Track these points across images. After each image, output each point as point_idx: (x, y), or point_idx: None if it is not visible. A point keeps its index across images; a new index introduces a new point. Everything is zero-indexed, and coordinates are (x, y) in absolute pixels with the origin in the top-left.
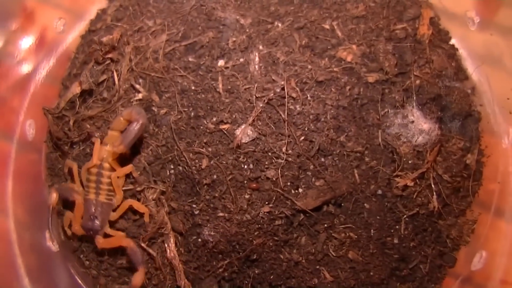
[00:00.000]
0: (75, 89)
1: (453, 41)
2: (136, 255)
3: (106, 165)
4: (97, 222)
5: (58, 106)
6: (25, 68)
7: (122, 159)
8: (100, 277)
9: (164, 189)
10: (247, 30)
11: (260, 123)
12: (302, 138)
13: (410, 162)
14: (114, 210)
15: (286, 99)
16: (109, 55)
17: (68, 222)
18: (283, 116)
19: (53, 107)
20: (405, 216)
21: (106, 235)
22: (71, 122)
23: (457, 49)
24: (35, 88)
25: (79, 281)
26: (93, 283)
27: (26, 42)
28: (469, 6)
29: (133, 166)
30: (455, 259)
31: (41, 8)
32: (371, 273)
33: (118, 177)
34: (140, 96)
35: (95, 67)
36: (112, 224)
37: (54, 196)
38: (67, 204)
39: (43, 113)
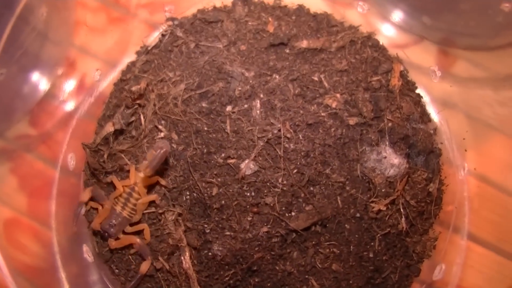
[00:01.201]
0: (109, 128)
1: (418, 90)
2: (142, 248)
3: (137, 188)
4: (113, 229)
5: (94, 142)
6: (68, 107)
7: (150, 187)
8: (127, 282)
9: (181, 212)
10: (251, 81)
11: (260, 159)
12: (295, 171)
13: (383, 190)
14: (131, 225)
15: (282, 139)
16: (137, 101)
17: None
18: (279, 152)
19: (90, 142)
20: (378, 234)
21: (117, 238)
22: (105, 156)
23: (421, 97)
24: (76, 125)
25: (110, 286)
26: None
27: (69, 86)
28: (432, 62)
29: (157, 196)
30: (419, 270)
31: (82, 57)
32: (351, 282)
33: (143, 203)
34: (162, 134)
35: (125, 111)
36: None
37: (87, 194)
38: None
39: (82, 147)
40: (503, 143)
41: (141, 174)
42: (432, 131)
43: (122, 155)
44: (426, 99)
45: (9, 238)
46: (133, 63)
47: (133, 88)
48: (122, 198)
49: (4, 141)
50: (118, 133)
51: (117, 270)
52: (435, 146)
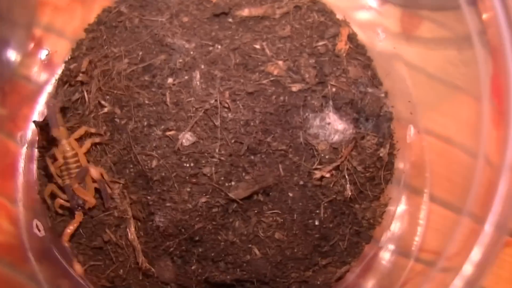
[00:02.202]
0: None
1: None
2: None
3: (68, 147)
4: (79, 199)
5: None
6: (35, 85)
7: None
8: (79, 255)
9: (125, 184)
10: (191, 53)
11: (198, 129)
12: (233, 140)
13: (327, 157)
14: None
15: (219, 109)
16: (79, 79)
17: (49, 192)
18: (216, 123)
19: (41, 120)
20: (324, 202)
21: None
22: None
23: (372, 60)
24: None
25: (62, 261)
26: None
27: (36, 65)
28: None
29: (85, 127)
30: (370, 236)
31: (48, 36)
32: (295, 250)
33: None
34: (105, 110)
35: (68, 89)
36: None
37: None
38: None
39: (35, 125)
40: (465, 102)
41: (63, 142)
42: (383, 95)
43: (70, 132)
44: (378, 61)
45: None
46: (81, 41)
47: (71, 66)
48: (64, 167)
49: None
50: (65, 110)
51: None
52: (386, 110)
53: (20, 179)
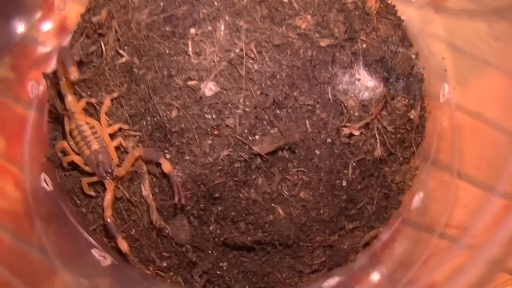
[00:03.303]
0: None
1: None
2: (151, 154)
3: (79, 117)
4: (105, 166)
5: (55, 72)
6: (46, 49)
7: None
8: (88, 214)
9: (142, 137)
10: (216, 3)
11: (222, 79)
12: (259, 92)
13: (356, 114)
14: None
15: (244, 59)
16: (98, 31)
17: (61, 148)
18: (241, 73)
19: (51, 72)
20: (352, 161)
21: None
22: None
23: (402, 20)
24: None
25: (71, 219)
26: (83, 219)
27: (47, 28)
28: None
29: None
30: (399, 202)
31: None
32: (321, 211)
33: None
34: (123, 60)
35: (85, 41)
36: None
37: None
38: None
39: (43, 77)
40: (497, 78)
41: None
42: (413, 55)
43: (84, 85)
44: (409, 22)
45: None
46: None
47: (94, 19)
48: (80, 139)
49: None
50: (80, 63)
51: (78, 202)
52: (416, 71)
53: (27, 144)
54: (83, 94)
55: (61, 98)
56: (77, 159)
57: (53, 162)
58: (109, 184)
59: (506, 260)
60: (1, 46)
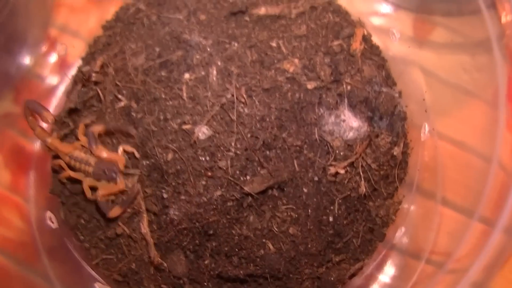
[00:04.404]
0: (68, 104)
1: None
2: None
3: (66, 149)
4: (110, 170)
5: (60, 116)
6: (49, 84)
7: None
8: (91, 248)
9: (140, 178)
10: (208, 49)
11: (215, 123)
12: (249, 135)
13: (341, 153)
14: None
15: (235, 104)
16: (92, 80)
17: (57, 165)
18: (233, 117)
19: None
20: (338, 198)
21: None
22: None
23: (386, 61)
24: (58, 101)
25: (75, 254)
26: (86, 254)
27: (50, 64)
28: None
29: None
30: (383, 234)
31: (63, 37)
32: (309, 246)
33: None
34: (122, 104)
35: (82, 89)
36: None
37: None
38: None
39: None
40: (480, 108)
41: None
42: (397, 94)
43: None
44: (393, 61)
45: None
46: (98, 37)
47: (84, 69)
48: (77, 162)
49: None
50: (74, 111)
51: (82, 237)
52: (399, 109)
53: (33, 176)
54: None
55: None
56: (73, 174)
57: (57, 194)
58: (121, 184)
59: (487, 282)
60: (6, 81)
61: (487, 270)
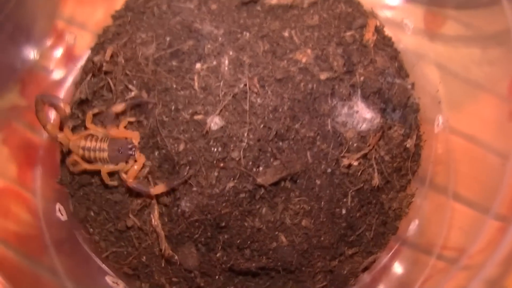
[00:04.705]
0: (78, 95)
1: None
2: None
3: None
4: (124, 147)
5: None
6: (56, 76)
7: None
8: (101, 241)
9: (151, 168)
10: (220, 39)
11: (227, 114)
12: (262, 125)
13: (355, 145)
14: None
15: (248, 93)
16: (103, 69)
17: (72, 161)
18: (245, 107)
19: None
20: (351, 190)
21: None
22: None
23: (398, 52)
24: (65, 93)
25: (84, 246)
26: (96, 247)
27: (57, 56)
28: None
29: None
30: (396, 227)
31: (70, 29)
32: (322, 238)
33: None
34: (132, 94)
35: (92, 80)
36: None
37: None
38: None
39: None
40: (490, 102)
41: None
42: (409, 86)
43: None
44: (406, 53)
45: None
46: (108, 27)
47: (95, 59)
48: (91, 152)
49: None
50: (85, 101)
51: (91, 229)
52: (412, 101)
53: (40, 169)
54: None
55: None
56: (90, 166)
57: (65, 185)
58: (140, 158)
59: (502, 280)
60: (12, 73)
61: (502, 267)
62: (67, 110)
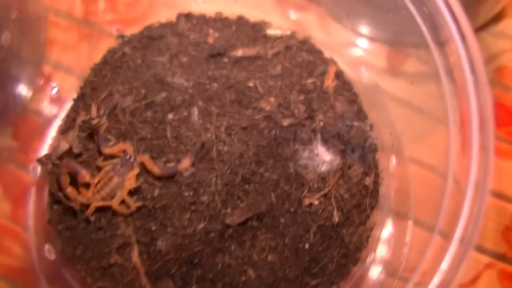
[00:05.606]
0: (63, 145)
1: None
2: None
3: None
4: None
5: (50, 158)
6: (44, 119)
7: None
8: (87, 277)
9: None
10: (190, 91)
11: (196, 161)
12: (229, 171)
13: (315, 186)
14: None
15: (215, 142)
16: (93, 123)
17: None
18: (213, 155)
19: (45, 156)
20: (313, 227)
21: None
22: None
23: (357, 96)
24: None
25: (72, 282)
26: (82, 282)
27: (45, 99)
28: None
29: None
30: (357, 259)
31: (57, 73)
32: (287, 272)
33: None
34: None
35: (81, 134)
36: None
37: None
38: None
39: (38, 163)
40: (446, 133)
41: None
42: (368, 128)
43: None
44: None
45: None
46: (88, 79)
47: (85, 119)
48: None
49: None
50: (79, 155)
51: (78, 266)
52: (371, 142)
53: (31, 207)
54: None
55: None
56: (103, 204)
57: (54, 225)
58: (141, 158)
59: None
60: (3, 117)
61: (445, 281)
62: (87, 177)
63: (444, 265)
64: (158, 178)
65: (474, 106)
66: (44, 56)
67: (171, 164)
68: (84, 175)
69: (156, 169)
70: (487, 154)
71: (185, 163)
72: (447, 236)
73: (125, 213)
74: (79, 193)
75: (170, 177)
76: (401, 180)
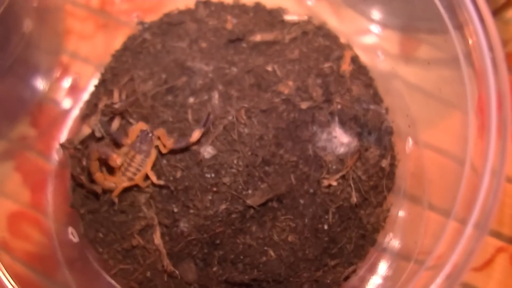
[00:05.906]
0: (85, 130)
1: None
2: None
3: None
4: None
5: (73, 142)
6: (63, 107)
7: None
8: (109, 259)
9: (152, 194)
10: (210, 75)
11: (218, 143)
12: (250, 153)
13: (334, 167)
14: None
15: (236, 125)
16: (115, 106)
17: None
18: (234, 137)
19: (67, 140)
20: (332, 208)
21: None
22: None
23: (373, 80)
24: (72, 123)
25: (94, 264)
26: (104, 265)
27: (64, 88)
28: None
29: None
30: (375, 240)
31: (74, 62)
32: (307, 252)
33: None
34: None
35: (103, 118)
36: None
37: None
38: None
39: (61, 147)
40: (461, 118)
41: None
42: (383, 111)
43: None
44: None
45: (15, 230)
46: (109, 66)
47: (107, 103)
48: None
49: (8, 142)
50: (102, 139)
51: (100, 249)
52: (386, 125)
53: (51, 193)
54: None
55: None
56: (129, 184)
57: (76, 208)
58: (158, 132)
59: (459, 277)
60: (22, 106)
61: (459, 265)
62: (118, 161)
63: (459, 249)
64: (174, 152)
65: (493, 90)
66: (62, 46)
67: (193, 147)
68: (115, 158)
69: (170, 142)
70: (504, 140)
71: (195, 134)
72: (462, 221)
73: (149, 186)
74: (105, 178)
75: (182, 150)
76: (416, 163)
